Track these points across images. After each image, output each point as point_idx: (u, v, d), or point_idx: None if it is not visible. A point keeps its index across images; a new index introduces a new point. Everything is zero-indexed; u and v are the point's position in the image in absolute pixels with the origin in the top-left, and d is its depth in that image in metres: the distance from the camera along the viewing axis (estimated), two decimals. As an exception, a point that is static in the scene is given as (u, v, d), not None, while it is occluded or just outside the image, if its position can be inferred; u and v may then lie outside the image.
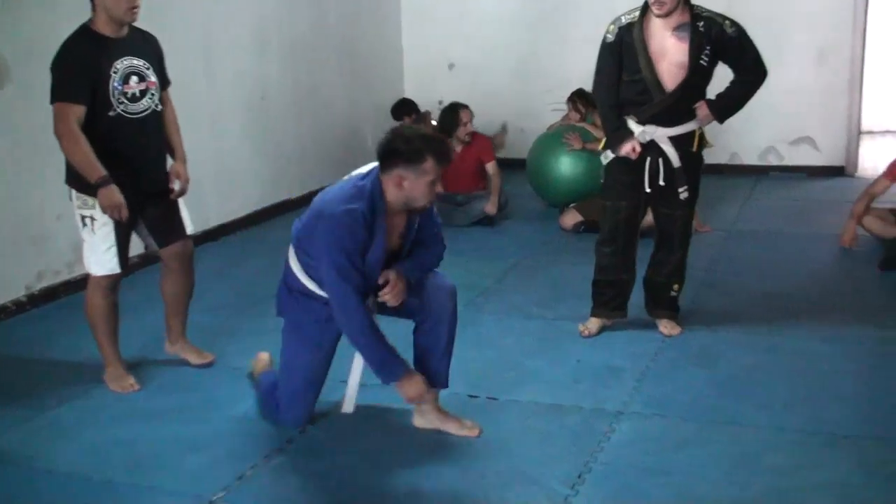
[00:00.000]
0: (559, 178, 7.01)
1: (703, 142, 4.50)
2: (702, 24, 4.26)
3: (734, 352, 4.39)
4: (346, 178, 3.48)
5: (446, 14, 9.24)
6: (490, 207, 7.03)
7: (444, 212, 6.93)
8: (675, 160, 4.39)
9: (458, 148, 7.06)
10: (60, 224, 5.32)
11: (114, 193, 3.86)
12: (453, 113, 7.15)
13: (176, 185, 4.17)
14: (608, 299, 4.65)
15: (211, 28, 6.73)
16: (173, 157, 4.24)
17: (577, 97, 7.31)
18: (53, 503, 3.31)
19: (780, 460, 3.39)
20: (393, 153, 3.32)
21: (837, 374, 4.13)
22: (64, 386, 4.24)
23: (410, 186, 3.33)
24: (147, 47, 4.07)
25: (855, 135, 8.35)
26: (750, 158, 8.58)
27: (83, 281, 5.18)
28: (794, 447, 3.49)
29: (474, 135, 7.21)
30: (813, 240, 6.33)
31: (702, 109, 4.38)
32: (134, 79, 3.94)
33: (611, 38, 4.39)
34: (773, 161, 8.54)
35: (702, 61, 4.26)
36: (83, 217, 4.01)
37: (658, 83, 4.29)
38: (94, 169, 3.83)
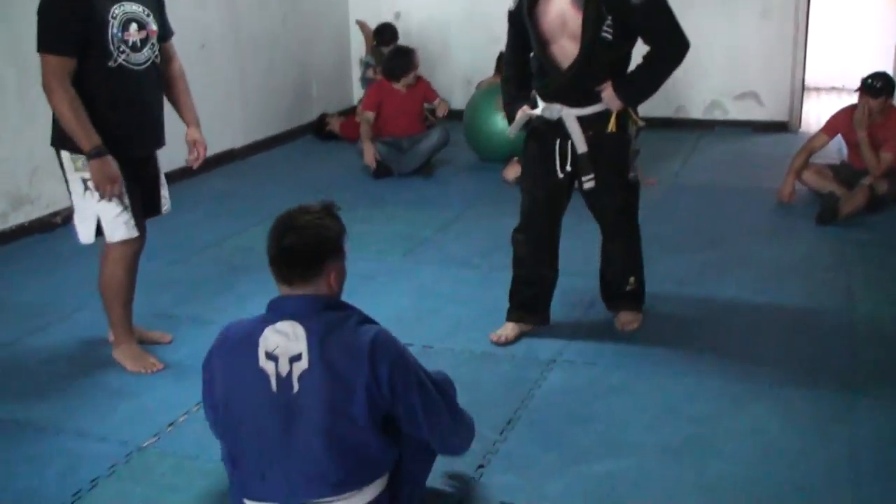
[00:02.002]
0: (492, 135, 6.93)
1: (627, 121, 3.85)
2: None
3: (667, 303, 4.43)
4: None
5: (393, -38, 9.14)
6: (442, 109, 7.11)
7: (390, 158, 6.92)
8: (581, 145, 3.80)
9: (404, 90, 7.03)
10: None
11: (110, 165, 3.50)
12: (405, 56, 7.09)
13: (194, 155, 3.89)
14: (526, 299, 4.12)
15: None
16: (185, 120, 3.89)
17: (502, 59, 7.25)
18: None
19: (703, 408, 3.45)
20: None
21: (766, 325, 4.20)
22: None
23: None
24: None
25: (798, 91, 8.40)
26: (695, 112, 8.62)
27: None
28: (717, 396, 3.55)
29: (417, 77, 7.21)
30: (753, 194, 6.39)
31: (606, 91, 3.72)
32: (133, 26, 3.52)
33: (512, 6, 3.87)
34: (717, 115, 8.58)
35: (604, 34, 3.57)
36: (85, 181, 3.57)
37: (550, 61, 3.74)
38: (89, 135, 3.43)
